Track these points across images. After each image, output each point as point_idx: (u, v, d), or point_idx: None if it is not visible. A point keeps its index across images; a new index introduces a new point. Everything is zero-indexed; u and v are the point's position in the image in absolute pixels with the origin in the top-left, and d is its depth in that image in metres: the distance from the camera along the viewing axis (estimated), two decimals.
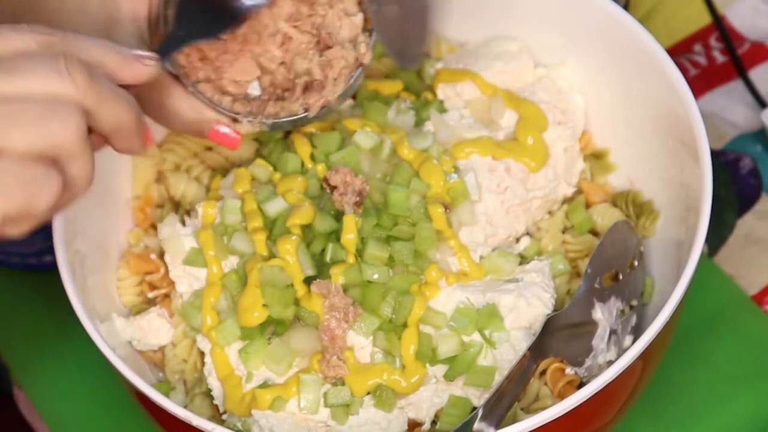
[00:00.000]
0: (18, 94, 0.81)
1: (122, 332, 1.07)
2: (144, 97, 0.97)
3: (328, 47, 1.00)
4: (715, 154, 1.27)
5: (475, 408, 1.00)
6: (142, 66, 0.88)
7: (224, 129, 0.99)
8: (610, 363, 1.01)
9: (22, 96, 0.81)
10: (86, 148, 0.84)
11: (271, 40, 1.00)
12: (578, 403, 0.93)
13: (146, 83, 0.89)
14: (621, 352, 1.04)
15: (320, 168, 1.05)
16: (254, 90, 1.00)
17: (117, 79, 0.87)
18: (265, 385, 1.00)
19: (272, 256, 1.02)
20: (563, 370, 1.03)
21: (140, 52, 0.89)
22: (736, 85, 1.33)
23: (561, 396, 1.02)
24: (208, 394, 1.05)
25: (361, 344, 1.00)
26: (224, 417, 1.04)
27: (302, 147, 1.07)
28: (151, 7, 0.98)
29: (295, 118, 1.00)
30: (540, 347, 1.00)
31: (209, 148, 1.15)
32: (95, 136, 0.86)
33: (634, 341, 0.96)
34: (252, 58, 0.99)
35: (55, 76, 0.82)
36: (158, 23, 0.98)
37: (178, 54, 0.99)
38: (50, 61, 0.82)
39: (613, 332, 1.04)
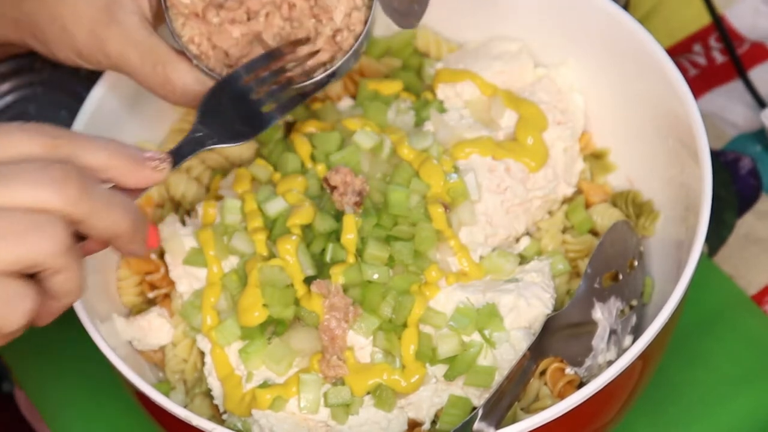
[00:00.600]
0: (5, 204, 0.77)
1: (122, 332, 1.07)
2: (148, 72, 0.97)
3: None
4: (715, 154, 1.27)
5: (475, 408, 1.00)
6: (150, 172, 0.85)
7: None
8: (610, 363, 1.01)
9: (8, 206, 0.77)
10: (70, 263, 0.80)
11: (273, 15, 1.00)
12: (578, 403, 0.93)
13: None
14: (621, 352, 1.04)
15: (320, 168, 1.05)
16: None
17: (121, 184, 0.85)
18: (265, 385, 1.00)
19: (272, 256, 1.02)
20: (563, 370, 1.03)
21: (151, 154, 0.86)
22: (736, 85, 1.33)
23: (561, 396, 1.02)
24: (208, 394, 1.05)
25: (361, 344, 1.00)
26: (224, 417, 1.04)
27: (302, 147, 1.07)
28: None
29: (299, 86, 1.00)
30: (540, 347, 1.00)
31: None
32: (93, 240, 0.83)
33: (634, 341, 0.96)
34: (258, 43, 0.99)
35: (47, 185, 0.78)
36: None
37: (182, 28, 0.98)
38: (45, 169, 0.78)
39: (613, 332, 1.04)
